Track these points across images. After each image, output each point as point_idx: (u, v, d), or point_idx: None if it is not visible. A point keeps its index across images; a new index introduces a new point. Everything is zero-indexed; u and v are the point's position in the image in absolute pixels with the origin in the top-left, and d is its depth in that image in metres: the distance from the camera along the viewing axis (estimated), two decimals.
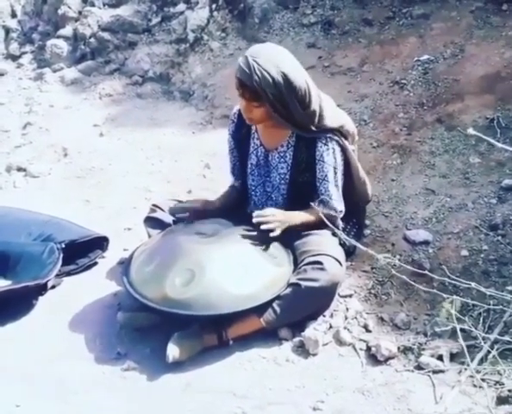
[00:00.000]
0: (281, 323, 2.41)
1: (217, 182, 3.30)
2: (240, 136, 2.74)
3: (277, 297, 2.38)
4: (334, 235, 2.52)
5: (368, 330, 2.45)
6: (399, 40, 4.41)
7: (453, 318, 1.89)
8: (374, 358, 2.31)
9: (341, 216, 2.64)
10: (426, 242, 2.85)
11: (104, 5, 5.20)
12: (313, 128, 2.54)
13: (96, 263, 2.94)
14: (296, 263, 2.48)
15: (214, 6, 4.96)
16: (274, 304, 2.38)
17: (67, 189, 3.59)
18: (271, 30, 4.80)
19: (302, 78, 2.47)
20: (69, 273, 2.85)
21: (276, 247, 2.51)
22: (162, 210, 2.75)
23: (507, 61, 3.90)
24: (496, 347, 2.18)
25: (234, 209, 2.75)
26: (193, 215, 2.63)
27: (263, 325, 2.39)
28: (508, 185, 3.06)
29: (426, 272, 2.11)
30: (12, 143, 4.13)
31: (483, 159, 3.31)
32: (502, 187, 3.07)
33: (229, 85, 4.15)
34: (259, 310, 2.37)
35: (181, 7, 5.05)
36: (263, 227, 2.46)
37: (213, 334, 2.38)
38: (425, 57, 4.17)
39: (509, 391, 2.08)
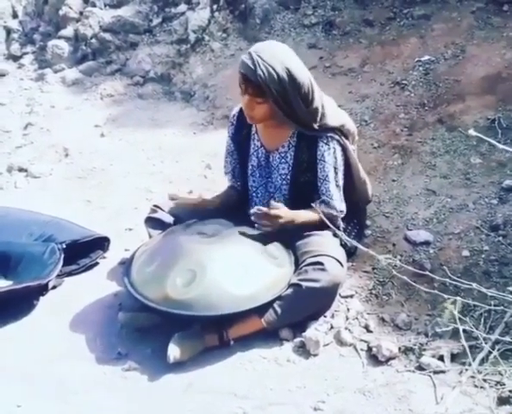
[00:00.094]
0: (282, 323, 2.41)
1: (218, 182, 3.29)
2: (240, 138, 2.74)
3: (278, 298, 2.38)
4: (335, 235, 2.52)
5: (369, 331, 2.45)
6: (400, 40, 4.41)
7: (456, 319, 1.88)
8: (375, 358, 2.31)
9: (342, 215, 2.65)
10: (427, 243, 2.85)
11: (105, 6, 5.21)
12: (315, 126, 2.54)
13: (97, 263, 2.94)
14: (297, 264, 2.48)
15: (215, 7, 4.96)
16: (275, 305, 2.38)
17: (68, 189, 3.60)
18: (273, 31, 4.80)
19: (305, 75, 2.47)
20: (70, 274, 2.85)
21: (277, 248, 2.51)
22: (163, 210, 2.75)
23: (508, 62, 3.90)
24: (497, 347, 2.17)
25: (234, 209, 2.75)
26: (193, 211, 2.63)
27: (264, 326, 2.39)
28: (509, 185, 3.06)
29: (427, 272, 2.12)
30: (13, 143, 4.13)
31: (484, 159, 3.31)
32: (503, 188, 3.07)
33: (230, 86, 4.18)
34: (260, 310, 2.37)
35: (182, 7, 5.06)
36: (257, 227, 2.47)
37: (214, 334, 2.38)
38: (426, 57, 4.17)
39: (510, 391, 2.08)
